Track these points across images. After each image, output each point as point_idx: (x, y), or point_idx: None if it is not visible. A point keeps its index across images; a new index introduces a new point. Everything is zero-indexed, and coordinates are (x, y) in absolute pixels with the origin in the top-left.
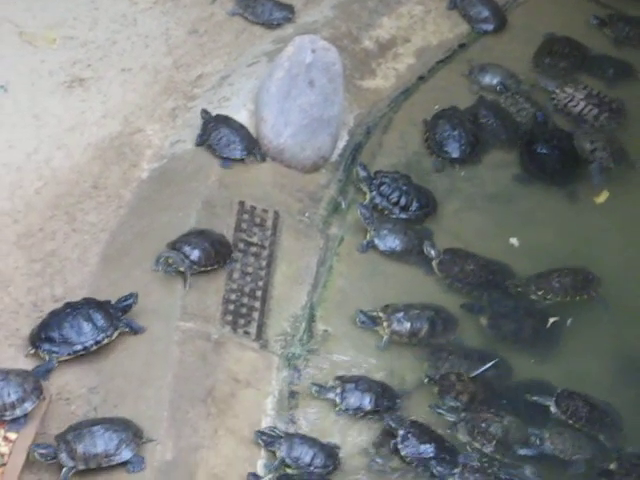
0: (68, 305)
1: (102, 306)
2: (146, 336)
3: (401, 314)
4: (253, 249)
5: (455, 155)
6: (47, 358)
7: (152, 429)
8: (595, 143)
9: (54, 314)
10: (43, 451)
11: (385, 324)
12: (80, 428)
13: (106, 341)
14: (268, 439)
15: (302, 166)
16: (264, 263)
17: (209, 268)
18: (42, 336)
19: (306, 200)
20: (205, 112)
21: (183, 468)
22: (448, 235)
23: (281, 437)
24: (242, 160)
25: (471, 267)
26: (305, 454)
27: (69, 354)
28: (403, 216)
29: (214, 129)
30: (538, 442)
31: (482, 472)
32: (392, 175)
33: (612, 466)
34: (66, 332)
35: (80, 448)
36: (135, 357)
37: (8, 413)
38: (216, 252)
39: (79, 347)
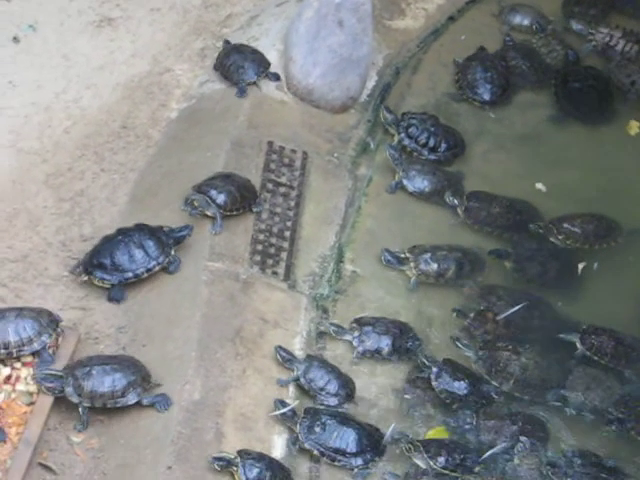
0: (120, 231)
1: (155, 233)
2: (175, 276)
3: (428, 255)
4: (282, 189)
5: (486, 97)
6: (100, 285)
7: (180, 369)
8: (633, 75)
9: (107, 240)
10: (50, 385)
11: (412, 264)
12: (90, 365)
13: (157, 269)
14: (287, 356)
15: (331, 106)
16: (292, 203)
17: (234, 213)
18: (94, 262)
19: (335, 140)
20: (226, 42)
21: (211, 408)
22: (477, 176)
23: (300, 358)
24: (254, 83)
25: (497, 210)
26: (320, 378)
27: (120, 281)
28: (432, 157)
29: (225, 57)
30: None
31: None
32: (420, 116)
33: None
34: (118, 259)
35: (87, 386)
36: (163, 297)
37: (26, 348)
38: (242, 197)
39: (130, 274)
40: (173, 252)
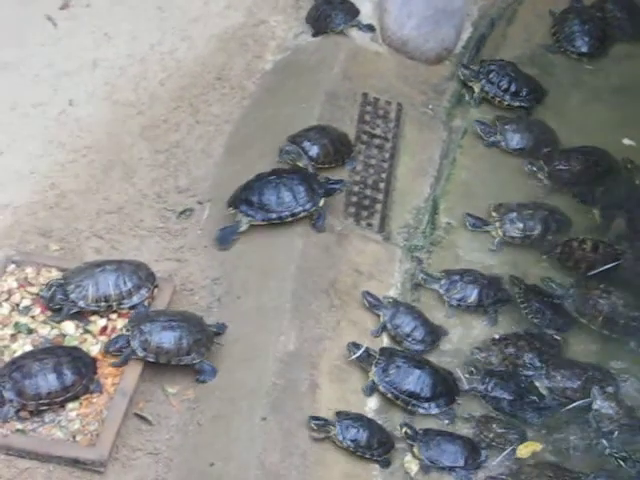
0: (275, 171)
1: (307, 180)
2: (269, 228)
3: (514, 214)
4: (376, 141)
5: (584, 50)
6: (243, 220)
7: (275, 320)
8: None
9: (259, 177)
10: (117, 346)
11: (498, 224)
12: (157, 320)
13: (302, 215)
14: (374, 301)
15: (425, 58)
16: (387, 155)
17: (326, 166)
18: (242, 197)
19: (429, 92)
20: None
21: (306, 359)
22: (572, 128)
23: (388, 303)
24: (342, 32)
25: (578, 168)
26: (406, 324)
27: (263, 220)
28: (515, 103)
29: (315, 8)
30: None
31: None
32: (499, 62)
33: None
34: (266, 198)
35: (154, 341)
36: (258, 249)
37: (126, 301)
38: (335, 150)
39: (274, 215)
40: (322, 203)
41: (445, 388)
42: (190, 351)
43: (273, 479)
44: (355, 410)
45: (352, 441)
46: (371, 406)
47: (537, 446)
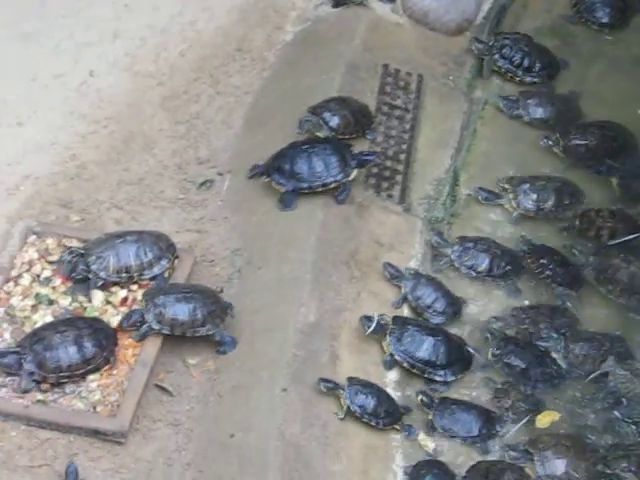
0: (308, 141)
1: (340, 150)
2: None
3: (527, 185)
4: (397, 112)
5: (605, 20)
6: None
7: (295, 291)
8: None
9: (292, 146)
10: (132, 320)
11: (511, 196)
12: (171, 293)
13: (333, 185)
14: (395, 272)
15: (446, 29)
16: (408, 126)
17: (347, 137)
18: (274, 165)
19: (450, 63)
20: None
21: (326, 330)
22: (592, 98)
23: (409, 275)
24: (361, 3)
25: (594, 142)
26: (427, 296)
27: (294, 189)
28: (527, 78)
29: None
30: None
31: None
32: (513, 36)
33: None
34: (298, 167)
35: (169, 313)
36: (279, 220)
37: (147, 272)
38: (356, 121)
39: (305, 185)
40: (353, 175)
41: (459, 355)
42: (205, 322)
43: (293, 450)
44: (375, 381)
45: (359, 407)
46: (391, 377)
47: (555, 415)
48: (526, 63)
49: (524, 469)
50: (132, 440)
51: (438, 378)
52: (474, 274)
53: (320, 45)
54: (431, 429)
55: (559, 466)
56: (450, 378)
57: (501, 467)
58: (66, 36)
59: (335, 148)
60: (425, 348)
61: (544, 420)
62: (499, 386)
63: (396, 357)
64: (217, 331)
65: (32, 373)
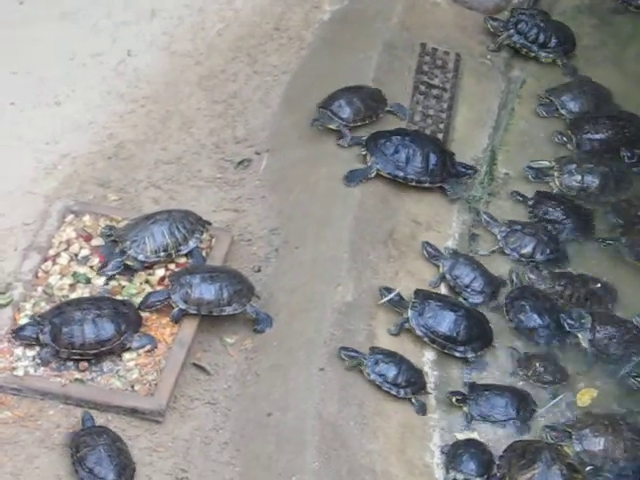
0: (415, 132)
1: (443, 154)
2: (327, 178)
3: (574, 166)
4: (434, 92)
5: None
6: (373, 167)
7: (332, 270)
8: None
9: (400, 132)
10: (159, 299)
11: (556, 174)
12: (196, 273)
13: (427, 185)
14: (433, 252)
15: (484, 8)
16: (445, 106)
17: (359, 124)
18: (378, 145)
19: (488, 42)
20: None
21: (364, 310)
22: (629, 80)
23: (447, 254)
24: None
25: (606, 134)
26: (466, 275)
27: (389, 174)
28: (542, 54)
29: None
30: None
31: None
32: (529, 11)
33: None
34: (399, 155)
35: (195, 293)
36: (316, 199)
37: (183, 247)
38: (366, 107)
39: (401, 174)
40: (449, 182)
41: (480, 331)
42: (231, 301)
43: (330, 429)
44: (413, 361)
45: (380, 375)
46: (428, 357)
47: (594, 392)
48: (541, 39)
49: (561, 448)
50: (169, 419)
51: (458, 354)
52: (517, 256)
53: (357, 24)
54: (470, 419)
55: (597, 444)
56: (470, 355)
57: (538, 446)
58: (104, 15)
59: (440, 150)
60: (446, 323)
61: (584, 398)
62: (523, 354)
63: (417, 332)
64: (244, 310)
65: (46, 345)
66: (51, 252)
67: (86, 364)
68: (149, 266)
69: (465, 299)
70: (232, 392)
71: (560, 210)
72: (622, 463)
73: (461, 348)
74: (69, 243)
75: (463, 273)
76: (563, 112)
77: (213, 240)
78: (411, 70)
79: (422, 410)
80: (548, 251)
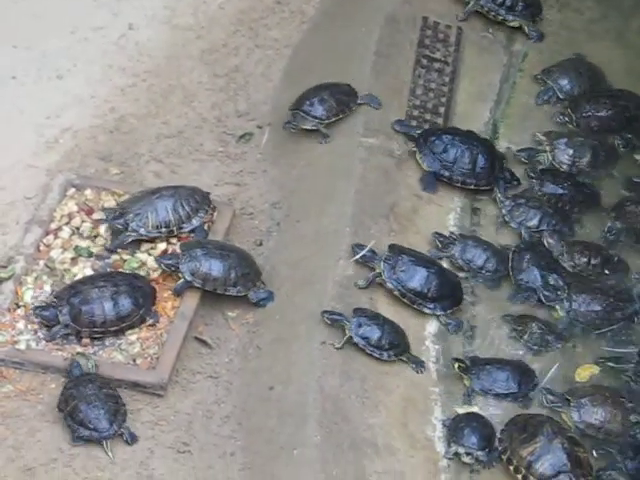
0: (468, 133)
1: (493, 157)
2: (329, 152)
3: (565, 139)
4: (436, 65)
5: None
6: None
7: (334, 244)
8: None
9: (450, 131)
10: (168, 262)
11: (548, 148)
12: (209, 248)
13: (472, 187)
14: (443, 240)
15: None
16: (447, 79)
17: (333, 119)
18: (428, 144)
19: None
20: None
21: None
22: (632, 52)
23: (455, 239)
24: None
25: (606, 113)
26: (478, 257)
27: (435, 173)
28: (510, 17)
29: None
30: None
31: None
32: None
33: None
34: (447, 155)
35: (204, 267)
36: (318, 173)
37: (185, 225)
38: (337, 101)
39: (446, 173)
40: (495, 188)
41: (451, 290)
42: (237, 283)
43: (332, 403)
44: (414, 334)
45: (363, 338)
46: (430, 331)
47: (595, 369)
48: (508, 2)
49: (561, 422)
50: (171, 392)
51: (427, 311)
52: (522, 229)
53: None
54: (471, 392)
55: (595, 414)
56: (439, 312)
57: (540, 419)
58: None
59: (490, 153)
60: (417, 279)
61: (584, 374)
62: (520, 315)
63: (388, 285)
64: (248, 293)
65: (67, 325)
66: (53, 226)
67: (88, 339)
68: (150, 240)
69: (478, 281)
70: (234, 366)
71: (565, 185)
72: (618, 437)
73: (431, 305)
74: (71, 217)
75: (475, 255)
76: (560, 95)
77: (215, 214)
78: (413, 44)
79: (420, 366)
80: (554, 223)
